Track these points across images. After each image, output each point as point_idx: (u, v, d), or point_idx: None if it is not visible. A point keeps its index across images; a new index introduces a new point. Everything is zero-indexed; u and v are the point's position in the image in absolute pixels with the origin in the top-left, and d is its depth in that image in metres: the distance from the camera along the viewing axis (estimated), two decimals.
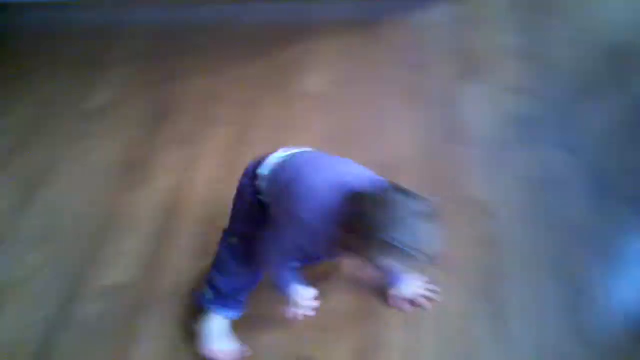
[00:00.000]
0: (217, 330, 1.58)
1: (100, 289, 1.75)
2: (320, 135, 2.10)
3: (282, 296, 1.50)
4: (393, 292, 1.64)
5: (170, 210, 1.95)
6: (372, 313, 1.63)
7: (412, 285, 1.63)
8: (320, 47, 2.49)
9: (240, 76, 2.41)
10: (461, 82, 2.28)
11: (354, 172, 1.45)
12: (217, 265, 1.62)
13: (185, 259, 1.79)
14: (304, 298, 1.50)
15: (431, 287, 1.65)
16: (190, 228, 1.88)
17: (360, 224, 1.26)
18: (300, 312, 1.51)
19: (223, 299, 1.58)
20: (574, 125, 2.09)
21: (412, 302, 1.63)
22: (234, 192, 1.63)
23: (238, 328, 1.59)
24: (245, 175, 1.61)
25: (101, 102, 2.37)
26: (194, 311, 1.63)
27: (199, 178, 2.04)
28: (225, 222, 1.64)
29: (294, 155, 1.56)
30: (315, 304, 1.51)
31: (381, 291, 1.66)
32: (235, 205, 1.63)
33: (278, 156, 1.57)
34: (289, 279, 1.52)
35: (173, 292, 1.72)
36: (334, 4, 2.70)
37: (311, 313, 1.51)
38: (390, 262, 1.27)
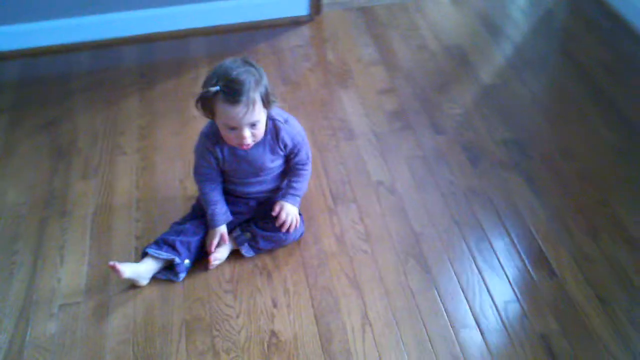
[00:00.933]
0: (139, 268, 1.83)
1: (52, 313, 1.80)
2: None
3: (211, 222, 1.86)
4: (281, 203, 1.91)
5: (98, 234, 2.04)
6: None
7: (293, 210, 1.91)
8: (200, 76, 2.68)
9: (129, 108, 2.52)
10: (335, 90, 2.59)
11: None
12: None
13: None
14: (216, 234, 1.86)
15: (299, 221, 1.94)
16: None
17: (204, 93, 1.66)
18: (217, 252, 1.89)
19: (157, 243, 1.87)
20: (436, 111, 2.48)
21: (284, 222, 1.89)
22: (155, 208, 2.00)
23: None
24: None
25: None
26: None
27: (117, 200, 2.14)
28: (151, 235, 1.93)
29: None
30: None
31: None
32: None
33: None
34: (212, 194, 1.87)
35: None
36: (205, 37, 2.91)
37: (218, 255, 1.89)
38: (226, 107, 1.64)
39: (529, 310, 1.80)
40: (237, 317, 1.81)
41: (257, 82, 1.67)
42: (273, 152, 1.86)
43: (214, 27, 2.94)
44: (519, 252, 1.95)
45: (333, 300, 1.84)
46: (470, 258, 1.94)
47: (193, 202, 2.05)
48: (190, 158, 2.23)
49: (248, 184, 1.92)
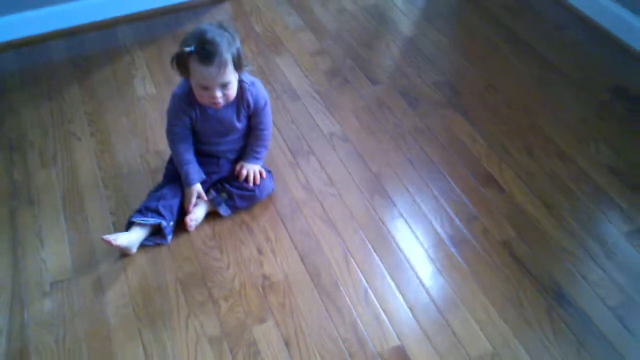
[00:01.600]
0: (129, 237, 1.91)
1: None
2: (157, 126, 2.40)
3: (186, 182, 1.97)
4: (241, 163, 2.04)
5: (72, 215, 2.09)
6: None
7: (253, 167, 2.04)
8: (137, 59, 2.73)
9: (71, 98, 2.55)
10: (270, 57, 2.72)
11: None
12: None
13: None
14: (193, 192, 1.97)
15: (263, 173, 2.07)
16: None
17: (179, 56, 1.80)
18: (194, 212, 1.99)
19: (141, 211, 1.95)
20: (368, 65, 2.67)
21: (247, 178, 2.03)
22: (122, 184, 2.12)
23: None
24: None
25: None
26: None
27: (83, 182, 2.19)
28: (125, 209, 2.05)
29: None
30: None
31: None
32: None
33: None
34: (185, 152, 1.97)
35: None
36: (130, 24, 2.96)
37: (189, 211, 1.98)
38: (200, 68, 1.76)
39: (488, 224, 2.01)
40: (228, 268, 1.92)
41: (230, 45, 1.79)
42: (239, 112, 1.97)
43: (138, 13, 2.99)
44: (468, 176, 2.17)
45: (313, 241, 1.98)
46: (429, 187, 2.14)
47: (161, 172, 2.13)
48: (147, 135, 2.34)
49: (217, 143, 2.03)
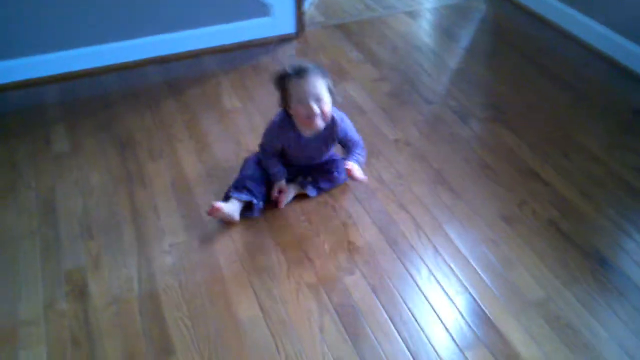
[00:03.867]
0: (231, 206, 2.27)
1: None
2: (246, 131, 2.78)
3: (274, 179, 2.36)
4: (348, 165, 2.30)
5: (181, 195, 2.48)
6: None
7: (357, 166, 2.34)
8: (222, 82, 3.18)
9: (169, 109, 2.98)
10: (338, 82, 3.16)
11: None
12: (241, 168, 2.43)
13: None
14: (281, 186, 2.36)
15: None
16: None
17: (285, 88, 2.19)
18: (282, 196, 2.35)
19: (237, 188, 2.31)
20: (423, 90, 3.10)
21: (351, 175, 2.31)
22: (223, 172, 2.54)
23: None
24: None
25: (63, 148, 2.73)
26: None
27: (188, 172, 2.59)
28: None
29: None
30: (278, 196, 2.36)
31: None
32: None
33: None
34: (274, 164, 2.35)
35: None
36: (214, 55, 3.42)
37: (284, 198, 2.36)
38: (299, 82, 2.14)
39: (536, 207, 2.39)
40: (318, 235, 2.29)
41: (323, 73, 2.21)
42: (328, 145, 2.38)
43: (219, 46, 3.45)
44: (515, 173, 2.55)
45: (388, 218, 2.35)
46: (483, 180, 2.52)
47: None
48: (239, 138, 2.74)
49: (305, 163, 2.44)
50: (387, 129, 2.82)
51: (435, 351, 1.88)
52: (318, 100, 2.16)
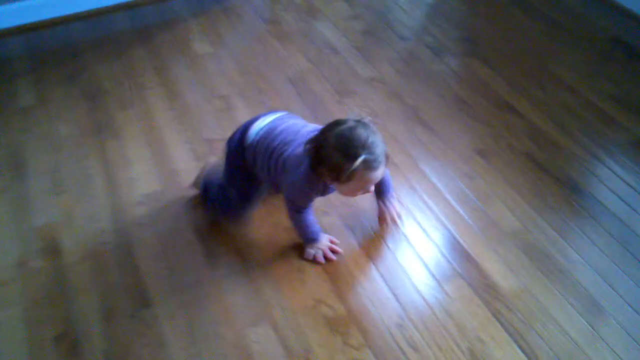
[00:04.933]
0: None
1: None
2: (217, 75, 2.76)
3: (308, 241, 1.95)
4: (383, 207, 2.02)
5: (153, 143, 2.44)
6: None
7: (392, 206, 2.03)
8: (193, 26, 3.10)
9: (138, 56, 2.91)
10: (310, 22, 3.10)
11: (314, 126, 1.87)
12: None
13: None
14: (325, 242, 1.95)
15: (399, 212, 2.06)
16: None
17: (333, 155, 1.65)
18: (321, 255, 1.93)
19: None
20: (396, 26, 3.04)
21: (392, 219, 2.03)
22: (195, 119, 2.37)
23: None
24: (230, 142, 2.00)
25: (29, 102, 2.66)
26: None
27: (159, 120, 2.54)
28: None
29: (272, 123, 1.94)
30: (335, 247, 1.96)
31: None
32: (226, 166, 2.03)
33: (259, 125, 1.94)
34: (309, 223, 1.92)
35: None
36: (168, 3, 3.32)
37: (332, 256, 1.94)
38: (369, 173, 1.66)
39: (512, 140, 2.38)
40: None
41: (383, 143, 1.71)
42: None
43: None
44: (492, 106, 2.53)
45: None
46: (458, 114, 2.50)
47: (226, 113, 2.47)
48: (211, 84, 2.67)
49: None
50: (361, 68, 2.78)
51: (414, 285, 1.89)
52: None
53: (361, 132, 1.65)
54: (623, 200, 2.12)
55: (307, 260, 1.96)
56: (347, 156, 1.64)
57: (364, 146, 1.64)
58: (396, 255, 1.98)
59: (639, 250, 1.96)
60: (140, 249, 2.03)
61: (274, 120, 1.97)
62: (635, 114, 2.47)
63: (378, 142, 1.67)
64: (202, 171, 2.21)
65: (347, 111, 2.53)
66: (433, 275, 1.91)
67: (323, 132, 1.71)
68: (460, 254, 1.97)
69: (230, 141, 2.02)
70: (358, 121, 1.69)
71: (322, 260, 1.94)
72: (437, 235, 2.03)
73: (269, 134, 1.91)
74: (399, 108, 2.55)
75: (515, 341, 1.73)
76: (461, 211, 2.10)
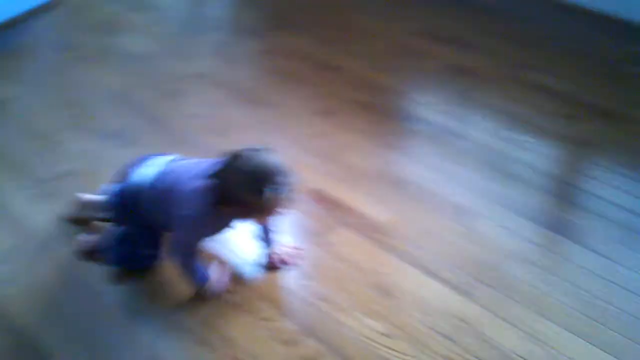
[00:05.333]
0: None
1: None
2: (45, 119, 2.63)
3: (197, 286, 1.81)
4: (270, 252, 1.92)
5: None
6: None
7: (282, 247, 1.93)
8: None
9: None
10: (117, 36, 3.08)
11: (209, 162, 1.70)
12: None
13: None
14: (220, 278, 1.84)
15: (296, 248, 1.96)
16: None
17: (237, 191, 1.58)
18: (218, 291, 1.82)
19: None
20: (209, 16, 3.12)
21: (283, 261, 1.92)
22: None
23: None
24: (112, 196, 1.86)
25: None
26: None
27: None
28: None
29: (157, 171, 1.80)
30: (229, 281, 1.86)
31: None
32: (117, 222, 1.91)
33: (148, 171, 1.81)
34: (197, 267, 1.79)
35: None
36: None
37: (224, 284, 1.84)
38: (279, 200, 1.58)
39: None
40: None
41: (280, 160, 1.63)
42: None
43: None
44: (316, 67, 2.70)
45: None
46: (289, 82, 2.64)
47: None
48: (28, 124, 2.52)
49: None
50: (183, 67, 2.82)
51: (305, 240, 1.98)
52: None
53: (260, 163, 1.59)
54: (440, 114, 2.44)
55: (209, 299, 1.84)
56: (254, 193, 1.57)
57: (267, 177, 1.57)
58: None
59: (455, 148, 2.28)
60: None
61: (165, 163, 1.83)
62: (442, 43, 2.77)
63: (279, 166, 1.60)
64: (78, 205, 2.05)
65: (184, 113, 2.54)
66: (317, 231, 2.02)
67: (224, 170, 1.61)
68: (335, 205, 2.10)
69: (111, 196, 1.88)
70: (254, 150, 1.61)
71: (223, 290, 1.85)
72: (309, 194, 2.15)
73: (164, 177, 1.79)
74: (232, 95, 2.63)
75: (409, 262, 1.90)
76: (322, 167, 2.25)
